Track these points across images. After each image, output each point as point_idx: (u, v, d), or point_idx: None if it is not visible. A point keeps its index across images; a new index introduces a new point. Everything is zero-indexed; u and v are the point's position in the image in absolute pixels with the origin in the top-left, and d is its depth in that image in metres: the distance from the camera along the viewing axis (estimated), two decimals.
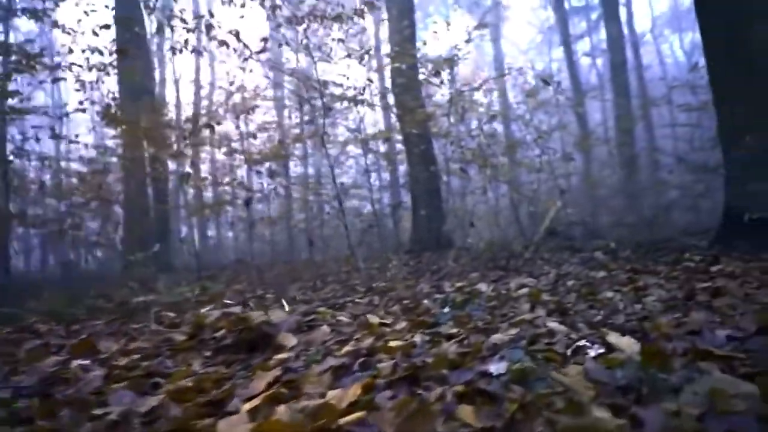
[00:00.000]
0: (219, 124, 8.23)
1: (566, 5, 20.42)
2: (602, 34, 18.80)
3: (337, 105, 11.18)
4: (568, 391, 1.12)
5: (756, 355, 1.37)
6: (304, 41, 6.30)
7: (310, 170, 18.02)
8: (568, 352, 1.52)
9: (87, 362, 2.18)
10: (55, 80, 5.86)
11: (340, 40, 6.95)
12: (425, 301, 3.83)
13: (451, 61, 7.79)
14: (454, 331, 2.00)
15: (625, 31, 18.64)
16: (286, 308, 2.61)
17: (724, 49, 4.14)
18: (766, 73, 3.86)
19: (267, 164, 11.47)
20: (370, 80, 7.99)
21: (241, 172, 12.45)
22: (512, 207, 11.03)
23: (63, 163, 11.93)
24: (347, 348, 1.76)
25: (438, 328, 2.09)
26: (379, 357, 1.62)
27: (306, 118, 11.39)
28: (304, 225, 11.71)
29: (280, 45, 7.19)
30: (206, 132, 7.97)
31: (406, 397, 1.21)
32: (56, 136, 7.05)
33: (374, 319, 2.35)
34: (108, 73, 6.98)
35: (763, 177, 3.82)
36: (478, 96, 11.93)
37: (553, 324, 1.95)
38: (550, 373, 1.24)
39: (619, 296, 2.95)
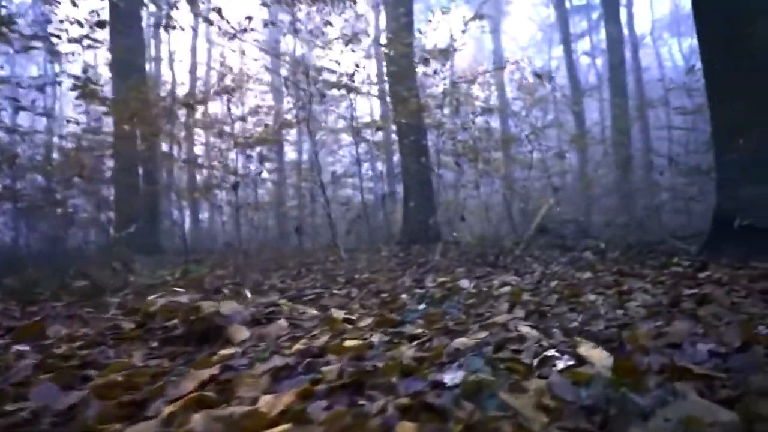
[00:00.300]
0: (199, 104, 8.03)
1: (567, 4, 20.25)
2: (602, 34, 18.64)
3: (333, 92, 11.02)
4: (518, 415, 0.98)
5: (738, 375, 1.24)
6: (296, 24, 6.12)
7: (305, 157, 17.83)
8: (535, 362, 1.38)
9: (27, 348, 2.03)
10: (27, 49, 5.64)
11: (328, 23, 6.76)
12: (404, 296, 3.70)
13: (446, 52, 7.61)
14: (419, 331, 1.86)
15: (625, 32, 18.55)
16: (248, 297, 2.46)
17: (723, 46, 4.00)
18: (766, 70, 3.73)
19: (258, 149, 11.30)
20: (358, 65, 7.79)
21: (234, 156, 12.25)
22: (505, 203, 10.93)
23: (54, 139, 11.71)
24: (298, 346, 1.62)
25: (403, 327, 1.94)
26: (329, 358, 1.48)
27: (299, 103, 11.17)
28: (297, 212, 11.55)
29: (265, 25, 7.00)
30: (185, 111, 7.76)
31: (342, 409, 1.07)
32: (22, 108, 6.82)
33: (339, 314, 2.21)
34: (90, 47, 6.76)
35: (754, 181, 3.70)
36: (476, 90, 11.80)
37: (525, 328, 1.81)
38: (501, 393, 1.10)
39: (602, 300, 2.82)
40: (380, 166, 12.77)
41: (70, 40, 6.19)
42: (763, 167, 3.73)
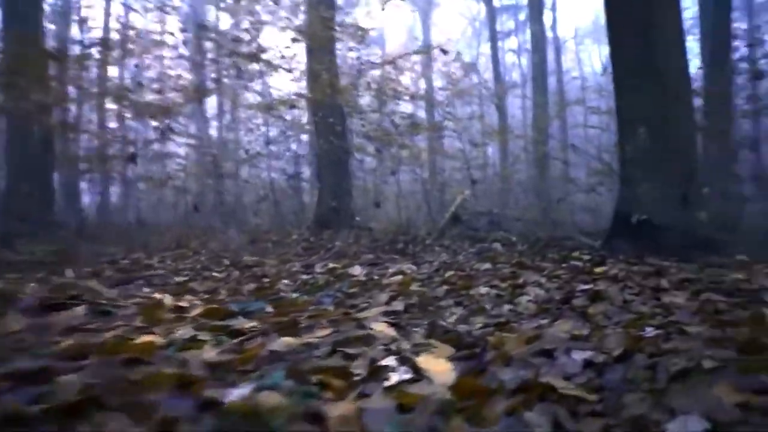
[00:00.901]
0: (82, 60, 7.15)
1: (496, 2, 20.60)
2: (528, 34, 19.00)
3: (255, 68, 10.36)
4: None
5: (611, 394, 0.96)
6: None
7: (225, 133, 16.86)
8: (364, 373, 1.05)
9: None
10: None
11: None
12: (285, 281, 3.33)
13: (363, 30, 7.23)
14: (251, 325, 1.49)
15: (549, 34, 19.07)
16: (69, 276, 2.00)
17: (631, 39, 3.95)
18: (668, 63, 3.71)
19: (167, 120, 10.45)
20: (251, 32, 7.24)
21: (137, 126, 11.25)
22: (423, 192, 10.76)
23: None
24: (69, 342, 1.20)
25: (235, 320, 1.57)
26: (90, 361, 1.07)
27: (211, 74, 10.43)
28: (198, 189, 10.79)
29: None
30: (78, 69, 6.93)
31: None
32: None
33: (168, 301, 1.80)
34: None
35: (652, 177, 3.64)
36: (406, 79, 11.51)
37: (381, 326, 1.48)
38: (288, 423, 0.75)
39: (494, 293, 2.57)
40: (296, 146, 12.23)
41: None
42: (658, 163, 3.68)
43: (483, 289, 2.60)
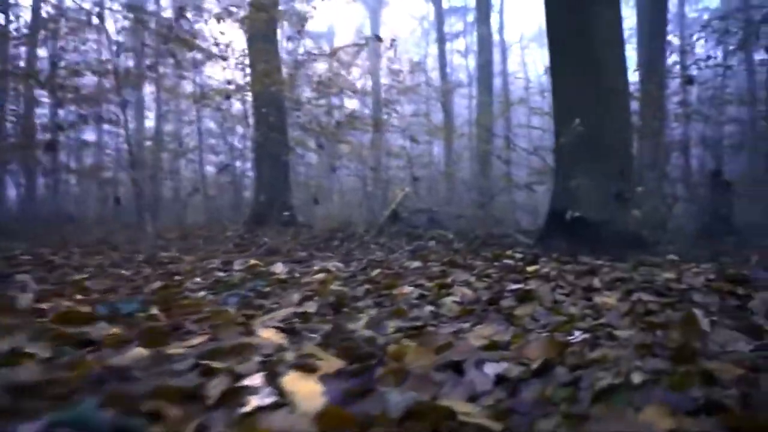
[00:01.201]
0: None
1: (445, 4, 20.80)
2: (476, 36, 19.20)
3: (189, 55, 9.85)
4: None
5: (520, 421, 0.77)
6: None
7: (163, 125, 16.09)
8: (216, 397, 0.82)
9: None
10: None
11: None
12: (197, 279, 3.04)
13: (303, 18, 6.95)
14: (113, 332, 1.23)
15: (496, 37, 19.35)
16: None
17: (571, 34, 3.89)
18: (606, 58, 3.66)
19: (95, 109, 9.77)
20: (178, 15, 6.86)
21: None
22: (363, 188, 10.56)
23: None
24: None
25: (96, 325, 1.30)
26: None
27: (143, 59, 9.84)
28: (120, 181, 10.17)
29: None
30: None
31: None
32: None
33: (25, 301, 1.50)
34: None
35: (585, 172, 3.57)
36: (353, 74, 11.27)
37: (269, 332, 1.25)
38: None
39: (418, 293, 2.39)
40: (232, 139, 11.76)
41: None
42: (594, 157, 3.63)
43: (407, 289, 2.42)
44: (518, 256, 3.51)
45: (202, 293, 2.44)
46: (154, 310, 1.66)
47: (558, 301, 2.19)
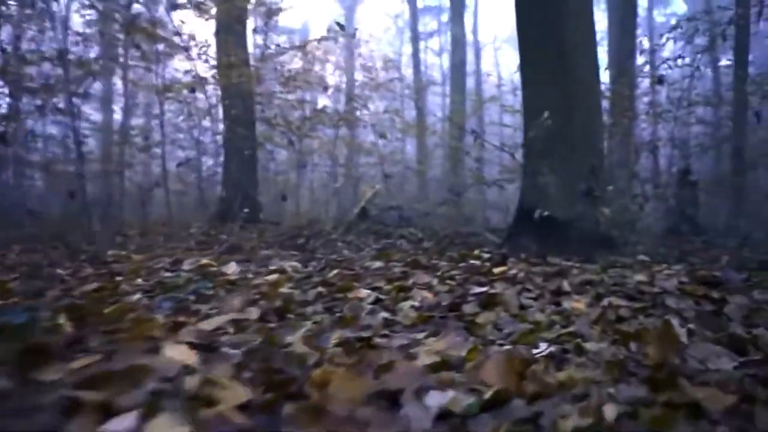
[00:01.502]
0: None
1: (420, 3, 20.77)
2: (449, 35, 19.19)
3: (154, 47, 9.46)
4: None
5: None
6: None
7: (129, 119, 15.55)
8: None
9: None
10: None
11: None
12: (139, 280, 2.79)
13: (272, 11, 6.69)
14: None
15: (470, 37, 19.35)
16: None
17: (536, 28, 3.77)
18: (577, 53, 3.54)
19: (53, 99, 9.31)
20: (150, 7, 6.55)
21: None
22: (332, 185, 10.35)
23: None
24: None
25: None
26: None
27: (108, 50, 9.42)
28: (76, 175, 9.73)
29: None
30: None
31: None
32: None
33: None
34: None
35: (553, 170, 3.45)
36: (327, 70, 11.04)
37: (179, 350, 1.05)
38: None
39: (375, 296, 2.20)
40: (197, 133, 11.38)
41: None
42: (563, 153, 3.50)
43: (364, 292, 2.23)
44: (485, 256, 3.35)
45: (137, 296, 2.20)
46: (62, 320, 1.43)
47: (524, 306, 2.03)
